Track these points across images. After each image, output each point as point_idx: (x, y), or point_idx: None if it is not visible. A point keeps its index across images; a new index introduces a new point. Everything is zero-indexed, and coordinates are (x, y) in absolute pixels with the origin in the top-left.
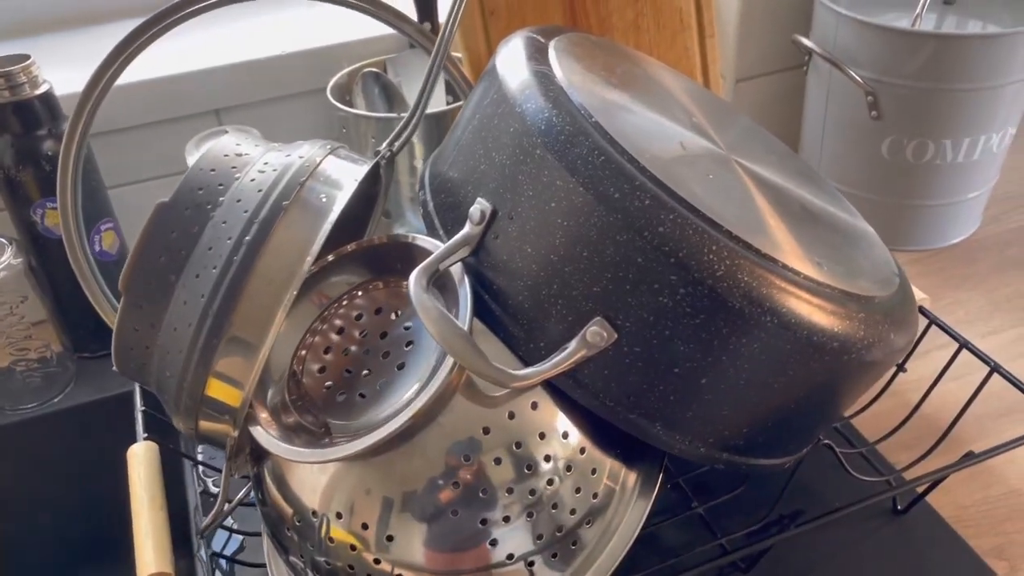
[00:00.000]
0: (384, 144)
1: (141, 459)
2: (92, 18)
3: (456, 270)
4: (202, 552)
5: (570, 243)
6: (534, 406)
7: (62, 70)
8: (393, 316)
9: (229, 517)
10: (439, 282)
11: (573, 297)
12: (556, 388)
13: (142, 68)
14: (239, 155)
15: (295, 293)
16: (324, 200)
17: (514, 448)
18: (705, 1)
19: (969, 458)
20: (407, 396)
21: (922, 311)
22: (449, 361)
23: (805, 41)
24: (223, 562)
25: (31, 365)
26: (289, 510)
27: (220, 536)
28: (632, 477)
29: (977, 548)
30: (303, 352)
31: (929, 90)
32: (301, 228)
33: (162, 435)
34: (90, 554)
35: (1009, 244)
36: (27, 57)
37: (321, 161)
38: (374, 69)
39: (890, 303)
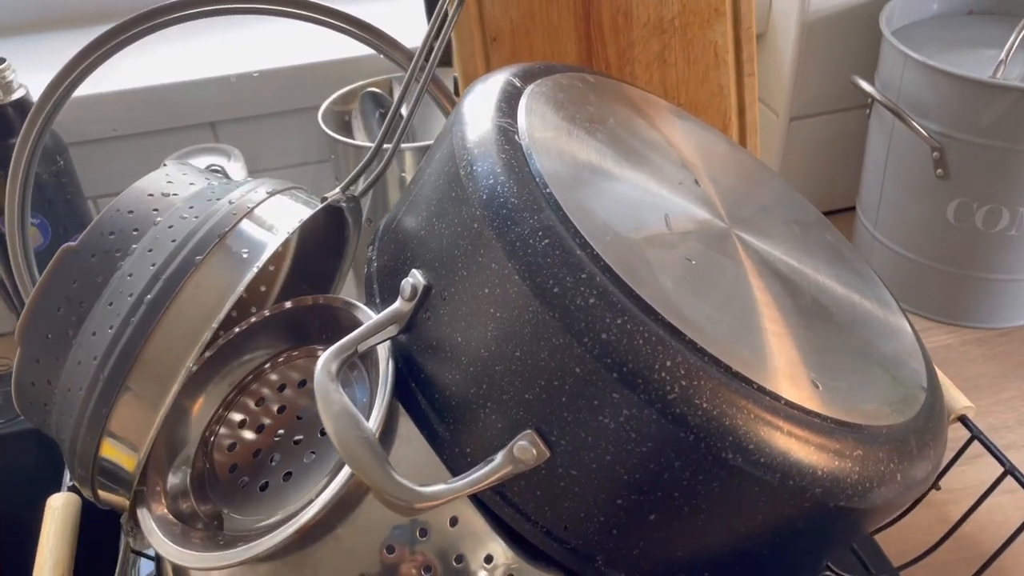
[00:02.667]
0: (339, 187)
1: (56, 513)
2: (73, 21)
3: (383, 350)
4: None
5: (502, 339)
6: (453, 521)
7: (40, 74)
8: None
9: None
10: (367, 358)
11: (503, 402)
12: (482, 503)
13: (138, 76)
14: (165, 195)
15: (194, 360)
16: (246, 255)
17: (423, 573)
18: (746, 34)
19: None
20: (307, 497)
21: (964, 422)
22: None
23: (864, 85)
24: None
25: None
26: None
27: None
28: None
29: None
30: (214, 426)
31: (1006, 150)
32: (213, 287)
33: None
34: None
35: None
36: (1, 60)
37: (254, 208)
38: (375, 89)
39: (905, 431)
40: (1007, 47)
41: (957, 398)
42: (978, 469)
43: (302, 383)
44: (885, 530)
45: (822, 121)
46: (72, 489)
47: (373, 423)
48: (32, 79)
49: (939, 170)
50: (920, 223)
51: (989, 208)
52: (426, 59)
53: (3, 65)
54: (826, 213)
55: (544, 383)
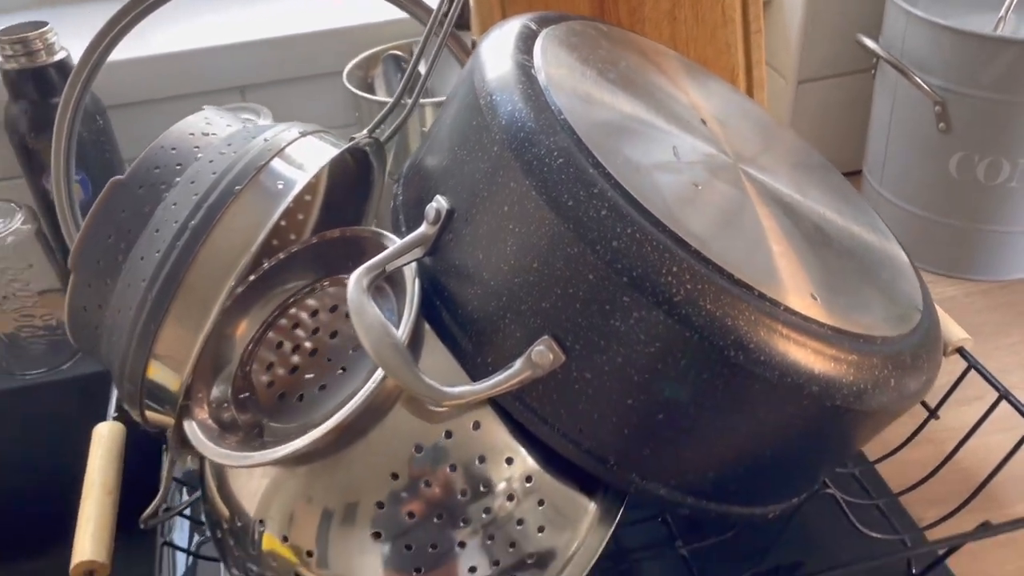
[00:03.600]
0: (365, 130)
1: (102, 441)
2: None
3: (409, 271)
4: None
5: (520, 252)
6: (476, 426)
7: (81, 39)
8: (346, 315)
9: (190, 509)
10: (394, 282)
11: (522, 312)
12: (504, 409)
13: (168, 41)
14: (205, 134)
15: (235, 282)
16: (280, 187)
17: (448, 470)
18: None
19: (984, 529)
20: (340, 404)
21: (962, 353)
22: (381, 372)
23: (869, 43)
24: (179, 553)
25: (36, 332)
26: (226, 511)
27: (185, 527)
28: (587, 508)
29: None
30: (254, 346)
31: (1007, 103)
32: (251, 215)
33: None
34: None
35: None
36: (44, 24)
37: (287, 146)
38: (396, 52)
39: (899, 344)
40: (1007, 3)
41: (954, 331)
42: (978, 409)
43: (334, 308)
44: (885, 461)
45: (830, 84)
46: (116, 419)
47: (402, 331)
48: (73, 44)
49: (941, 124)
50: (924, 178)
51: (990, 161)
52: (445, 14)
53: (46, 28)
54: None
55: (560, 291)
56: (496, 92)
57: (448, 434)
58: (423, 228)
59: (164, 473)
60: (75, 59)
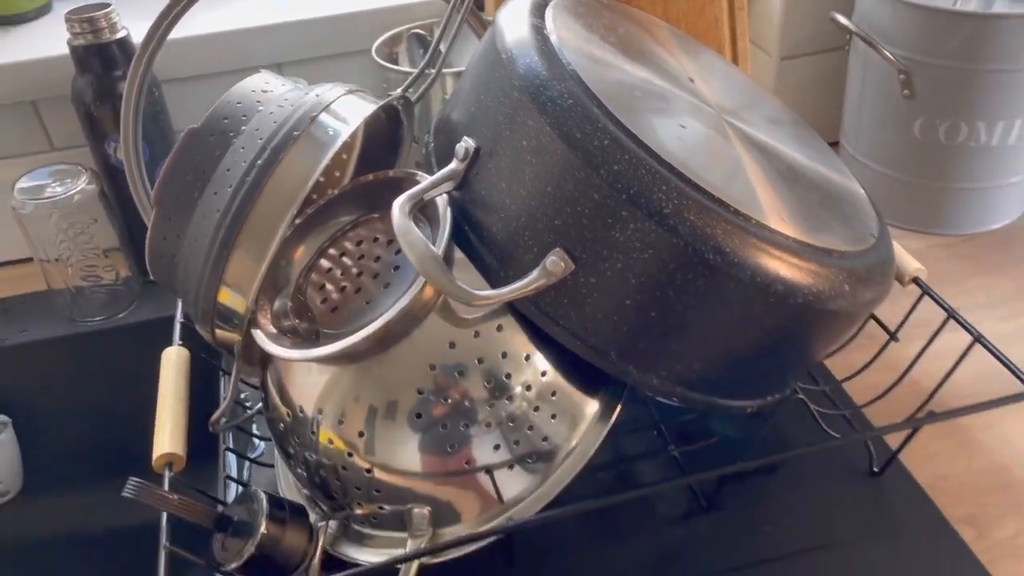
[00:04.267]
0: (400, 89)
1: (171, 361)
2: None
3: (441, 202)
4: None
5: (537, 179)
6: (499, 328)
7: (140, 19)
8: (388, 243)
9: (254, 426)
10: (428, 213)
11: (538, 230)
12: (523, 315)
13: (214, 23)
14: (265, 91)
15: (295, 212)
16: (331, 134)
17: (476, 363)
18: None
19: (930, 417)
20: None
21: (917, 282)
22: (421, 279)
23: (841, 19)
24: (238, 459)
25: (99, 283)
26: (285, 409)
27: (244, 440)
28: (592, 403)
29: (950, 515)
30: (310, 271)
31: (963, 70)
32: (307, 156)
33: (200, 346)
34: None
35: None
36: (108, 5)
37: (334, 100)
38: (419, 31)
39: (854, 259)
40: None
41: (910, 262)
42: (939, 341)
43: (375, 239)
44: (853, 379)
45: (811, 61)
46: (181, 346)
47: (439, 246)
48: (133, 25)
49: (906, 91)
50: (892, 142)
51: (950, 123)
52: None
53: (108, 8)
54: None
55: (570, 210)
56: (515, 48)
57: (476, 334)
58: (453, 164)
59: (232, 381)
60: (135, 38)
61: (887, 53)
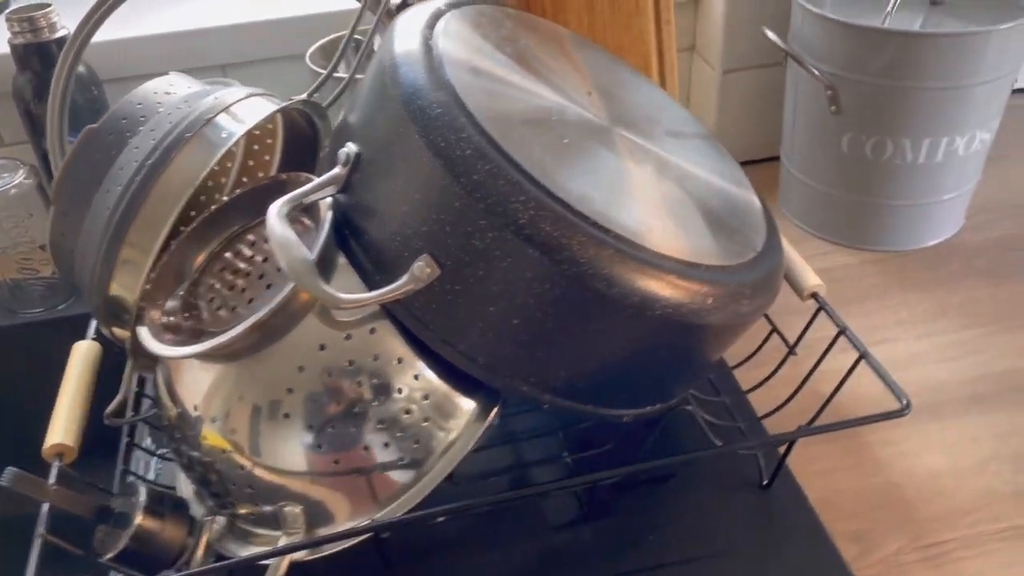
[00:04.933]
0: (304, 94)
1: (80, 354)
2: None
3: (324, 205)
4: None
5: (408, 186)
6: (372, 331)
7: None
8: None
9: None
10: (314, 216)
11: (409, 236)
12: (397, 320)
13: (160, 23)
14: (167, 93)
15: (180, 210)
16: (224, 136)
17: (346, 364)
18: None
19: (802, 431)
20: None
21: (815, 297)
22: (292, 282)
23: (770, 34)
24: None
25: (36, 276)
26: (172, 406)
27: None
28: (467, 405)
29: (838, 530)
30: (203, 272)
31: (889, 87)
32: (199, 156)
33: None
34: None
35: (979, 254)
36: (48, 5)
37: (234, 103)
38: (358, 36)
39: (727, 273)
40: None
41: (809, 278)
42: (838, 350)
43: (266, 241)
44: (755, 391)
45: (753, 74)
46: (95, 340)
47: (314, 251)
48: (71, 23)
49: (833, 107)
50: (823, 156)
51: (876, 140)
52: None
53: (48, 8)
54: (757, 161)
55: (435, 217)
56: (399, 56)
57: (348, 336)
58: (336, 169)
59: (126, 375)
60: None
61: (813, 69)
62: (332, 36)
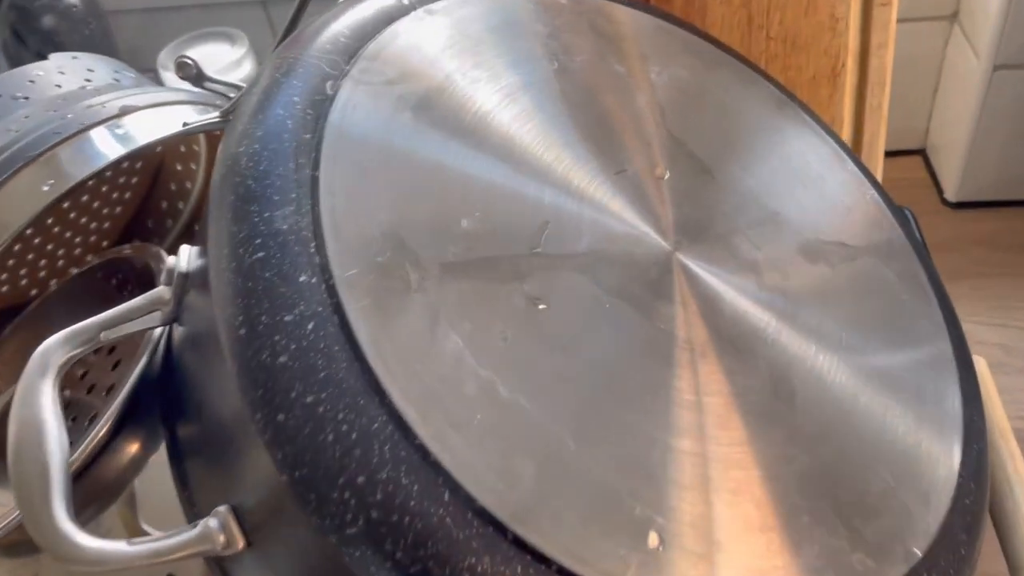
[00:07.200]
0: (215, 113)
1: None
2: None
3: (150, 341)
4: None
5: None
6: None
7: None
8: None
9: None
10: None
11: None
12: None
13: None
14: (15, 98)
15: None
16: (80, 164)
17: None
18: None
19: None
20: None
21: None
22: None
23: None
24: None
25: None
26: None
27: None
28: None
29: None
30: None
31: None
32: (33, 188)
33: None
34: None
35: None
36: None
37: (99, 123)
38: None
39: None
40: None
41: None
42: None
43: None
44: None
45: None
46: None
47: (88, 440)
48: None
49: None
50: None
51: None
52: None
53: None
54: None
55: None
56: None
57: None
58: (159, 288)
59: None
60: None
61: None
62: None
